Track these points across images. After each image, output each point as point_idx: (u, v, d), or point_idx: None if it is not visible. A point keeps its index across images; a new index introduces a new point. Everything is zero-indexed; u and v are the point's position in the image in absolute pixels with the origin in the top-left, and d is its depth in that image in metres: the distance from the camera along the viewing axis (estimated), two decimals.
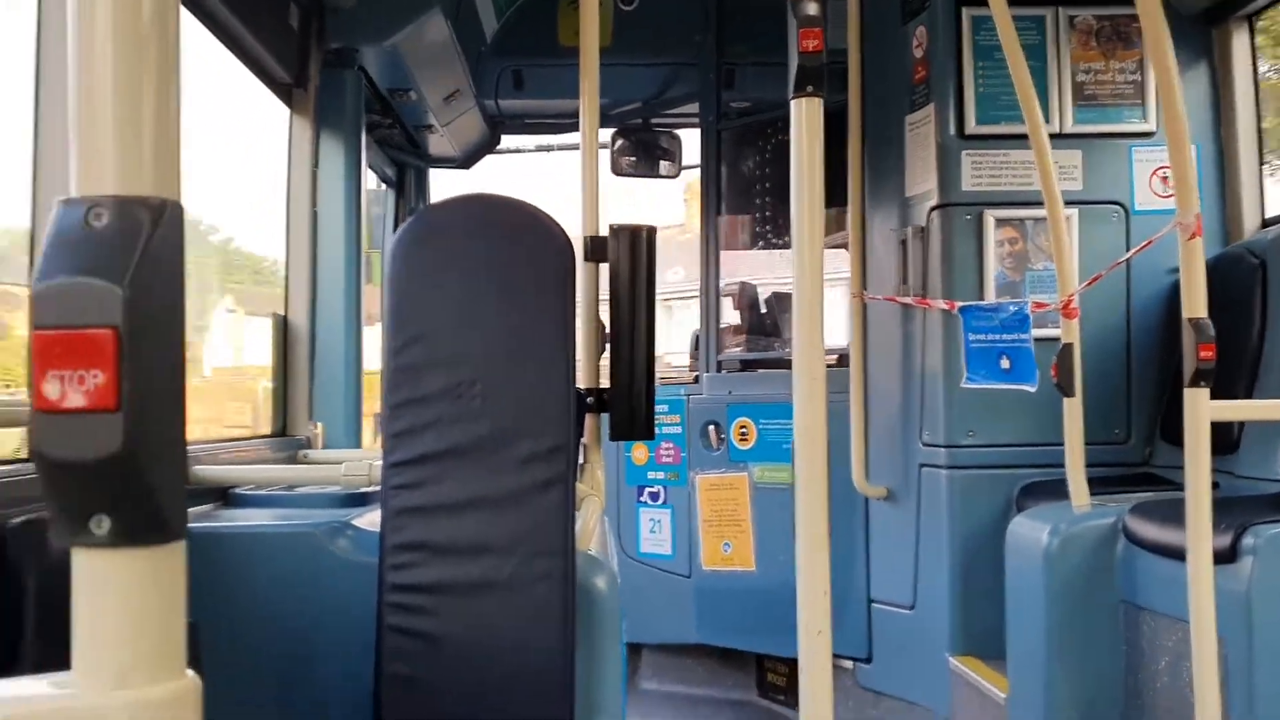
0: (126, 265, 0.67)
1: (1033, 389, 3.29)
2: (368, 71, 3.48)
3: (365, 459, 2.32)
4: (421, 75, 3.73)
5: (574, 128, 4.77)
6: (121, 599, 0.67)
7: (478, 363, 1.86)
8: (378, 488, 1.98)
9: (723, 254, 5.06)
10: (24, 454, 1.95)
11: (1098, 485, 3.23)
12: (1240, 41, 3.80)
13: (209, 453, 2.54)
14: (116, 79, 0.67)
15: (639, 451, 4.91)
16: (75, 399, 0.66)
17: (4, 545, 1.68)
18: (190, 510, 2.21)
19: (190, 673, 0.71)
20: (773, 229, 5.07)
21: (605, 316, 2.29)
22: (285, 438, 3.15)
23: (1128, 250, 3.43)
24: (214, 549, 2.04)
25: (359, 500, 2.35)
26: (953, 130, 3.74)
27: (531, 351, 1.87)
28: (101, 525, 0.67)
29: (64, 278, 0.67)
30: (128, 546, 0.67)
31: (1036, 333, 3.41)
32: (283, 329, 3.24)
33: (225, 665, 2.02)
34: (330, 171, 3.35)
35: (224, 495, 2.45)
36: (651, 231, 2.34)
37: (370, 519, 2.11)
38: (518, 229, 1.90)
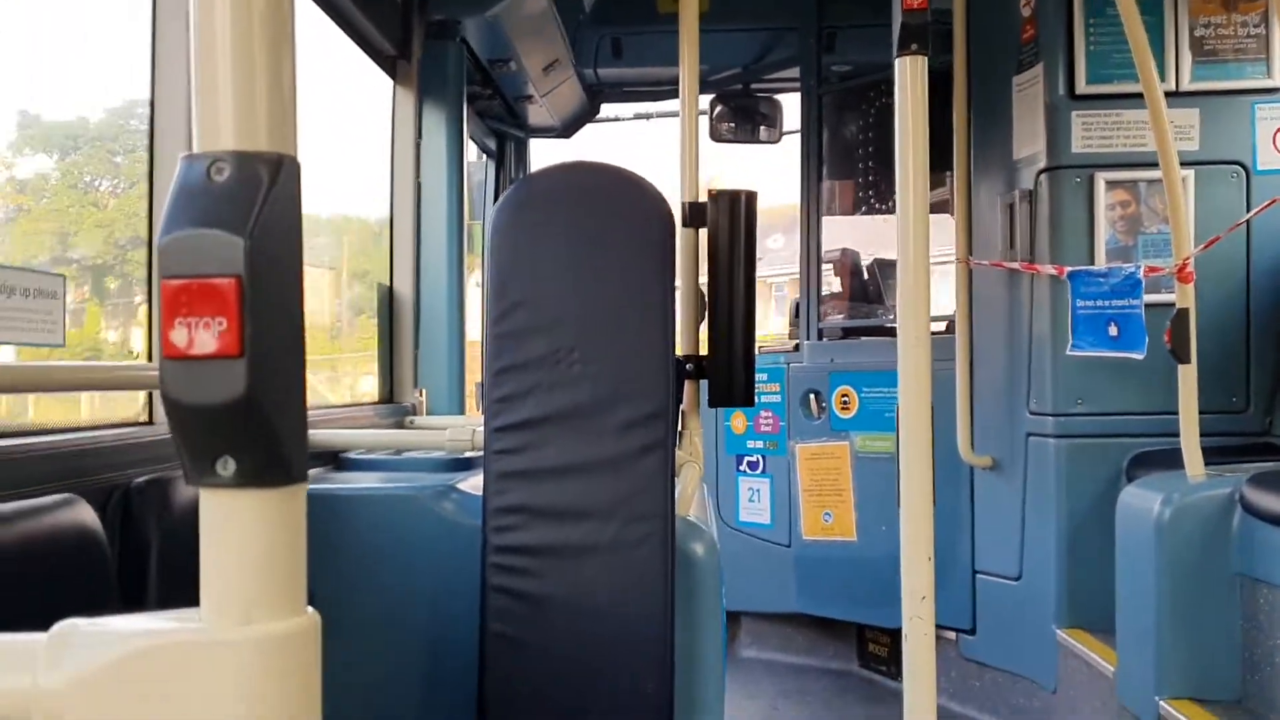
0: (247, 217, 0.69)
1: (1140, 356, 3.19)
2: (469, 43, 3.51)
3: (468, 425, 2.37)
4: (521, 45, 3.76)
5: (672, 95, 4.76)
6: (246, 538, 0.70)
7: (577, 329, 1.87)
8: (480, 452, 2.02)
9: (825, 220, 5.01)
10: (144, 417, 2.04)
11: (1213, 455, 3.12)
12: None
13: (321, 418, 2.62)
14: (234, 39, 0.70)
15: (738, 420, 4.90)
16: (201, 345, 0.69)
17: (128, 502, 1.76)
18: None
19: (311, 609, 0.74)
20: (875, 194, 4.99)
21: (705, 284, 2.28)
22: (392, 404, 3.23)
23: (1248, 212, 3.30)
24: (325, 511, 2.11)
25: (463, 465, 2.40)
26: (1062, 90, 3.63)
27: (630, 318, 1.88)
28: (227, 467, 0.70)
29: (189, 229, 0.69)
30: (252, 487, 0.70)
31: (1151, 298, 3.31)
32: (388, 298, 3.31)
33: (334, 624, 2.09)
34: (433, 142, 3.40)
35: (335, 460, 2.53)
36: (752, 196, 2.33)
37: (473, 483, 2.16)
38: (617, 195, 1.90)
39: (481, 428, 1.98)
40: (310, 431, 2.30)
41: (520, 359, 1.89)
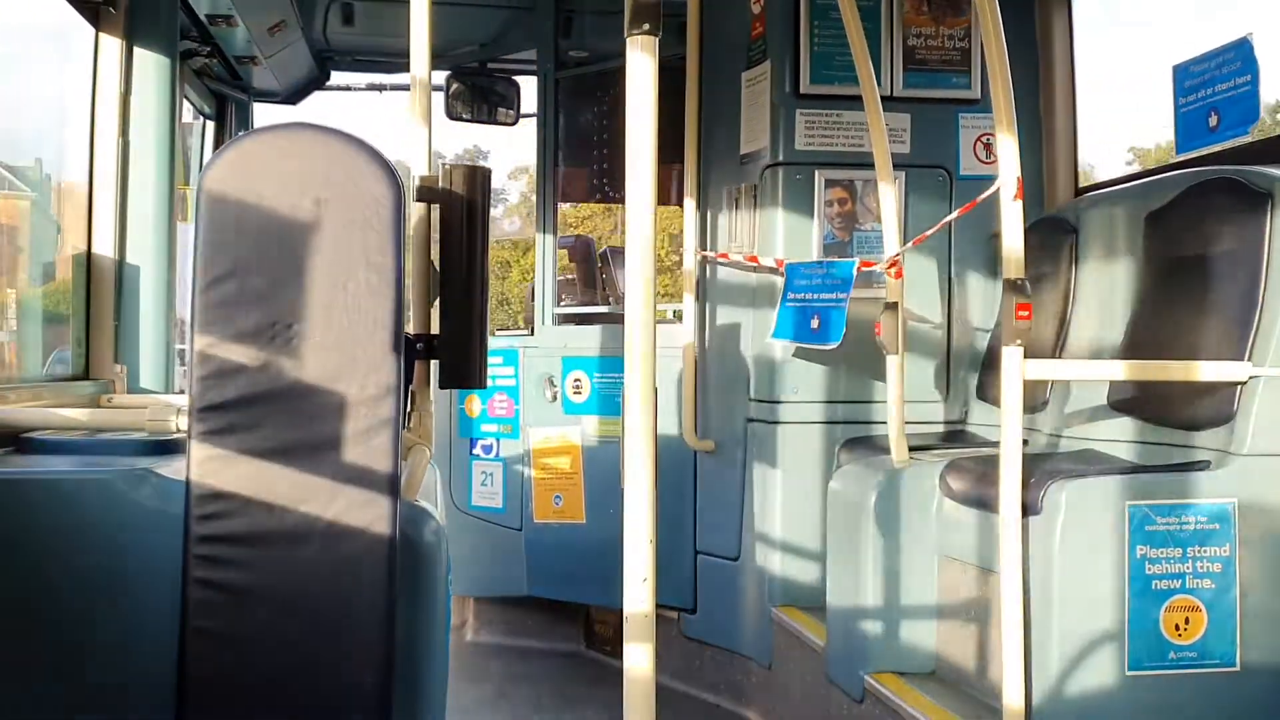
0: None
1: (833, 348, 3.36)
2: None
3: (172, 404, 2.19)
4: (243, 2, 3.53)
5: (407, 67, 4.61)
6: None
7: (295, 302, 1.76)
8: (185, 434, 1.86)
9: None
10: None
11: (917, 442, 3.34)
12: (1060, 15, 3.95)
13: None
14: None
15: (472, 403, 4.84)
16: None
17: None
18: None
19: None
20: (610, 182, 5.03)
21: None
22: (88, 380, 2.96)
23: (951, 214, 3.54)
24: (3, 498, 1.89)
25: (165, 448, 2.21)
26: (787, 88, 3.77)
27: (354, 292, 1.78)
28: None
29: None
30: None
31: (864, 293, 3.49)
32: (86, 264, 3.03)
33: (15, 621, 1.88)
34: (142, 99, 3.13)
35: (17, 442, 2.27)
36: (486, 173, 2.27)
37: (177, 467, 1.99)
38: (341, 161, 1.80)
39: (186, 407, 1.82)
40: None
41: (230, 332, 1.75)
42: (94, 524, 1.93)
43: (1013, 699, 2.46)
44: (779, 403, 3.80)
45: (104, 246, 3.03)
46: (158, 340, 3.13)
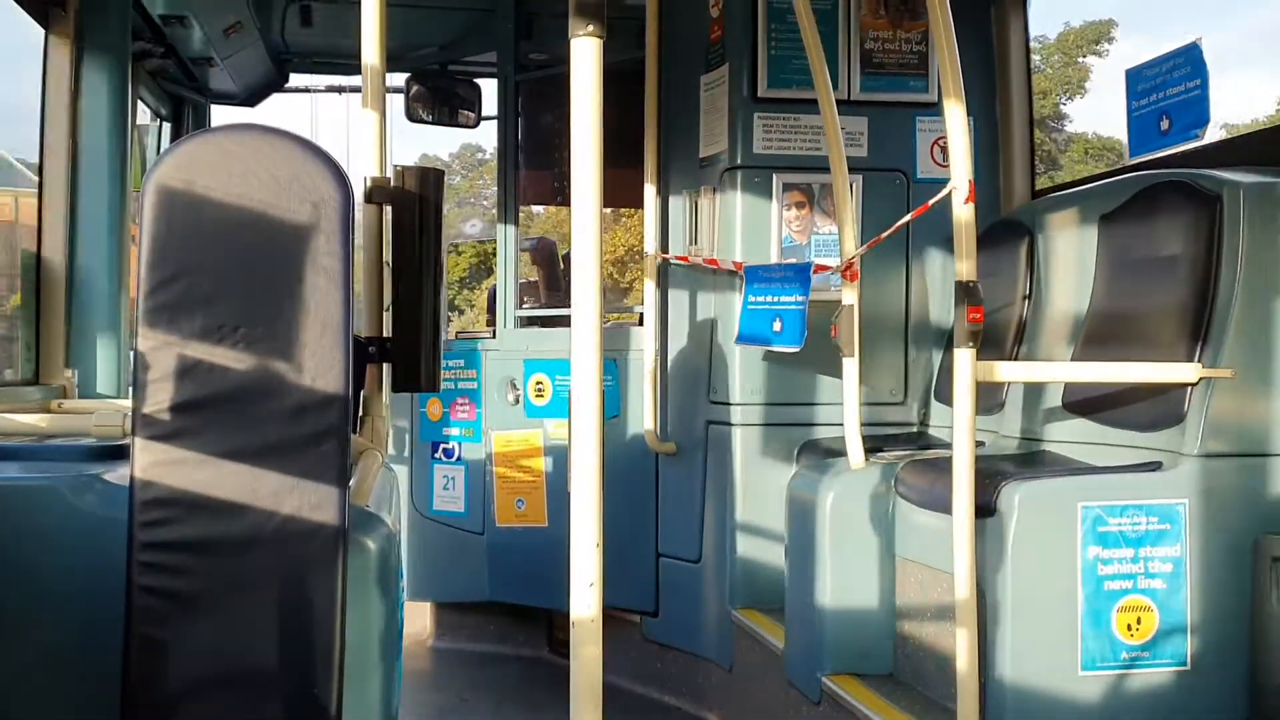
0: None
1: (795, 350, 3.37)
2: None
3: (119, 409, 2.17)
4: (197, 2, 3.49)
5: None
6: None
7: (242, 305, 1.74)
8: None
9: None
10: None
11: (874, 443, 3.35)
12: (1016, 21, 3.99)
13: None
14: None
15: (434, 406, 4.81)
16: None
17: None
18: None
19: None
20: (571, 185, 5.01)
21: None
22: (37, 385, 2.91)
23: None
24: None
25: (112, 454, 2.18)
26: (745, 92, 3.78)
27: (301, 294, 1.76)
28: None
29: None
30: None
31: (821, 295, 3.50)
32: (35, 268, 2.99)
33: None
34: (93, 100, 3.10)
35: None
36: (439, 175, 2.27)
37: (123, 473, 1.96)
38: (289, 162, 1.78)
39: (131, 412, 1.80)
40: None
41: (175, 335, 1.73)
42: (39, 531, 1.91)
43: (967, 700, 2.47)
44: (738, 405, 3.81)
45: (54, 250, 3.00)
46: (110, 345, 3.10)
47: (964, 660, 2.47)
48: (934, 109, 3.87)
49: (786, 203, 3.78)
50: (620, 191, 4.81)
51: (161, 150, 4.53)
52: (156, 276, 1.73)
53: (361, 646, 1.87)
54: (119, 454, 2.15)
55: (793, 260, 3.67)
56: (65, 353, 3.00)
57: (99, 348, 3.08)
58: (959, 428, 2.48)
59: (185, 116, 4.57)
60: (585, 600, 1.55)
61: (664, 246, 4.14)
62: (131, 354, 3.24)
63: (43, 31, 3.02)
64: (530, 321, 4.90)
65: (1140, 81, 3.16)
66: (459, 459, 4.81)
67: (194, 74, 4.34)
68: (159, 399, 1.73)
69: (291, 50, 4.89)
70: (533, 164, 5.06)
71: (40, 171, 3.03)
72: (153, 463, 1.73)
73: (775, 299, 3.44)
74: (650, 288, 4.15)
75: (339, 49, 4.93)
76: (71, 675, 1.91)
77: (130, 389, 3.17)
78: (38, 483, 1.93)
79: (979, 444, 2.55)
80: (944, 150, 3.86)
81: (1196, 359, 2.63)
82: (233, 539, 1.74)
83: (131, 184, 3.27)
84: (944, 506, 2.64)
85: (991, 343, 2.66)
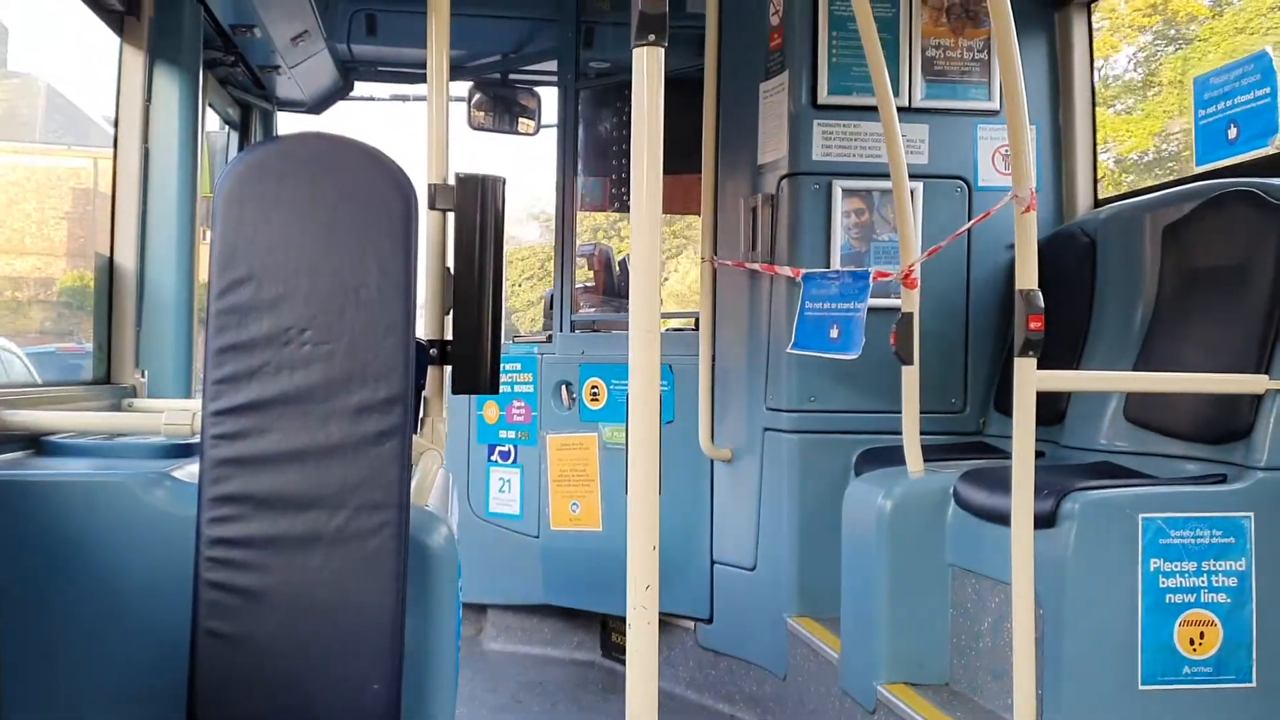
0: None
1: (853, 357, 3.36)
2: (207, 3, 3.30)
3: (188, 408, 2.22)
4: (266, 13, 3.57)
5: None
6: None
7: (309, 308, 1.78)
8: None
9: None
10: None
11: (932, 452, 3.33)
12: (1080, 26, 3.94)
13: (20, 396, 2.39)
14: None
15: (490, 410, 4.86)
16: None
17: None
18: None
19: None
20: (629, 192, 5.04)
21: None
22: (109, 385, 2.99)
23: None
24: (18, 499, 1.92)
25: (181, 451, 2.24)
26: (805, 99, 3.78)
27: (367, 298, 1.80)
28: None
29: None
30: None
31: (880, 303, 3.49)
32: (108, 271, 3.07)
33: (31, 621, 1.91)
34: (164, 108, 3.18)
35: (36, 443, 2.31)
36: (500, 182, 2.30)
37: (192, 471, 2.01)
38: (354, 168, 1.82)
39: (201, 411, 1.85)
40: (4, 410, 2.09)
41: (244, 337, 1.78)
42: (109, 525, 1.96)
43: (1024, 711, 2.44)
44: (795, 412, 3.80)
45: (125, 254, 3.07)
46: (179, 346, 3.17)
47: (1022, 671, 2.44)
48: (995, 116, 3.84)
49: (846, 209, 3.77)
50: (676, 198, 4.83)
51: (229, 157, 4.63)
52: (226, 279, 1.78)
53: (421, 645, 1.90)
54: (188, 452, 2.21)
55: (852, 267, 3.66)
56: (135, 354, 3.07)
57: (168, 349, 3.16)
58: (1019, 437, 2.46)
59: (253, 124, 4.66)
60: (643, 601, 1.56)
61: (720, 253, 4.15)
62: (200, 355, 3.32)
63: (117, 40, 3.10)
64: (585, 326, 4.93)
65: (1208, 89, 3.11)
66: (515, 461, 4.85)
67: (262, 82, 4.43)
68: (227, 399, 1.78)
69: (357, 59, 4.98)
70: (590, 170, 5.10)
71: (114, 177, 3.11)
72: (221, 460, 1.78)
73: (833, 306, 3.43)
74: (705, 293, 4.16)
75: (403, 58, 5.01)
76: (139, 668, 1.96)
77: (198, 389, 3.25)
78: (109, 478, 1.98)
79: (1039, 454, 2.52)
80: (1005, 158, 3.83)
81: (1264, 369, 2.58)
82: (296, 536, 1.78)
83: (200, 190, 3.35)
84: (1003, 517, 2.62)
85: (1052, 352, 2.63)
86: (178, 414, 2.22)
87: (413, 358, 1.85)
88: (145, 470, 2.02)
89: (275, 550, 1.77)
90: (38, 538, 1.94)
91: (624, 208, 5.14)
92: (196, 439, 2.19)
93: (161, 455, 2.23)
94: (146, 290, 3.12)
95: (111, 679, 1.95)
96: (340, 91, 5.16)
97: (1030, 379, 2.46)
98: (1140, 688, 2.50)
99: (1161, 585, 2.51)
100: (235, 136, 4.63)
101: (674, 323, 5.12)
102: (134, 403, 2.96)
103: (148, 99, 3.11)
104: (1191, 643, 2.51)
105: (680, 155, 4.03)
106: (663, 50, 1.59)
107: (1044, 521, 2.54)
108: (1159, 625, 2.50)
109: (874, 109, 3.33)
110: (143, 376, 3.08)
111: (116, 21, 3.05)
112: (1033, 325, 2.42)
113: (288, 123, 5.02)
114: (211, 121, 4.28)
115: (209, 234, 1.88)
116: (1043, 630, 2.54)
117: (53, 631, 1.94)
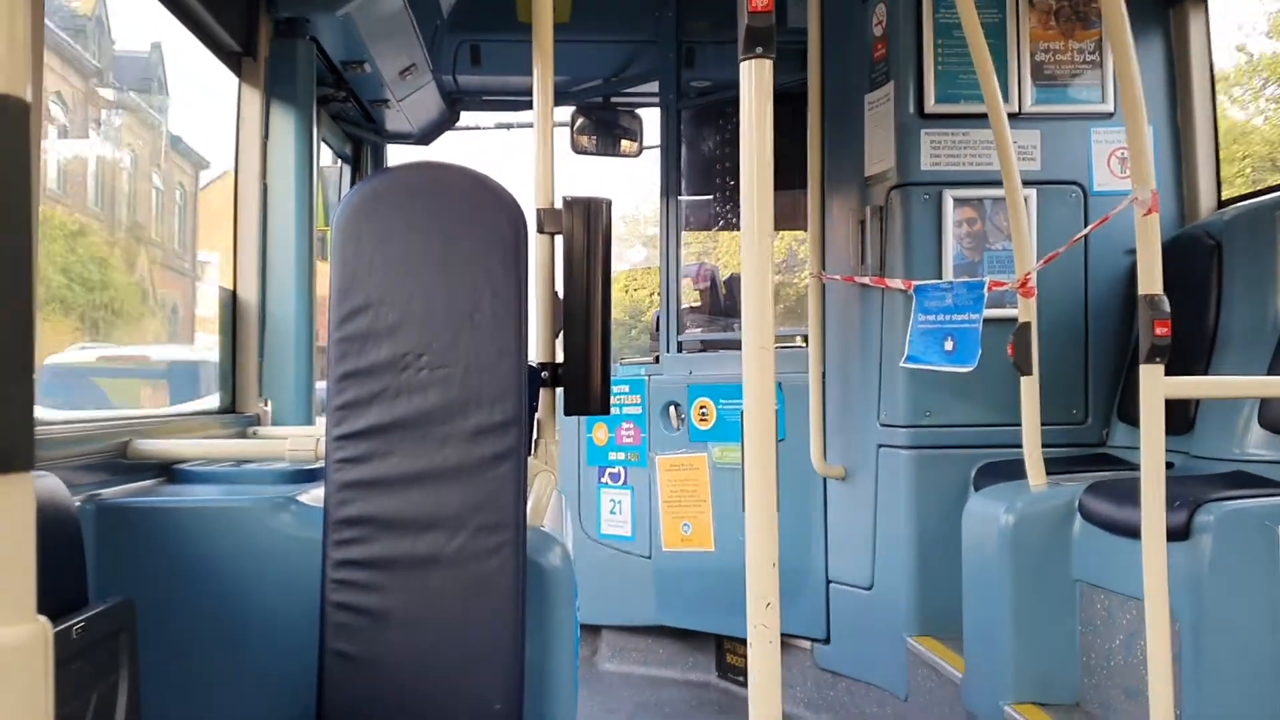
0: None
1: (968, 370, 3.28)
2: (320, 42, 3.41)
3: (311, 434, 2.28)
4: (375, 48, 3.66)
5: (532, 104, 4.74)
6: None
7: (425, 333, 1.82)
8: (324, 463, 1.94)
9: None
10: None
11: (1054, 465, 3.23)
12: (1197, 23, 3.81)
13: (152, 425, 2.48)
14: None
15: (600, 432, 4.88)
16: None
17: None
18: (130, 486, 2.17)
19: (42, 618, 0.66)
20: (732, 209, 5.05)
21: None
22: (234, 414, 3.09)
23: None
24: (153, 525, 1.99)
25: (306, 476, 2.30)
26: (912, 109, 3.72)
27: (481, 323, 1.83)
28: None
29: None
30: None
31: (996, 313, 3.41)
32: (231, 304, 3.17)
33: (166, 643, 1.98)
34: (281, 144, 3.29)
35: (168, 471, 2.39)
36: (607, 205, 2.31)
37: (316, 495, 2.07)
38: (467, 196, 1.86)
39: (324, 437, 1.89)
40: (138, 440, 2.17)
41: (365, 364, 1.82)
42: (239, 549, 2.03)
43: None
44: (910, 427, 3.73)
45: (248, 287, 3.18)
46: (299, 375, 3.26)
47: (1158, 690, 2.35)
48: (1110, 119, 3.73)
49: (958, 219, 3.70)
50: (781, 213, 4.81)
51: (342, 190, 4.76)
52: (346, 308, 1.82)
53: (540, 664, 1.91)
54: (312, 477, 2.27)
55: (965, 278, 3.58)
56: (259, 383, 3.17)
57: (290, 378, 3.25)
58: (1148, 446, 2.37)
59: (364, 157, 4.79)
60: (764, 619, 1.54)
61: (828, 268, 4.11)
62: (320, 384, 3.42)
63: (236, 80, 3.21)
64: (693, 347, 4.93)
65: None
66: (625, 483, 4.86)
67: (372, 115, 4.55)
68: (350, 424, 1.82)
69: (462, 89, 5.08)
70: (693, 189, 5.11)
71: (234, 213, 3.22)
72: (345, 484, 1.82)
73: (947, 318, 3.36)
74: (814, 309, 4.12)
75: (507, 86, 5.10)
76: (269, 688, 2.01)
77: (319, 416, 3.34)
78: (237, 504, 2.05)
79: (1168, 465, 2.43)
80: (1122, 161, 3.72)
81: None
82: (418, 557, 1.81)
83: (316, 223, 3.45)
84: (1133, 530, 2.52)
85: (1179, 358, 2.53)
86: (301, 440, 2.28)
87: (525, 380, 1.86)
88: (272, 495, 2.08)
89: (398, 571, 1.81)
90: (172, 562, 2.01)
91: (727, 226, 5.13)
92: (320, 464, 2.25)
93: (286, 480, 2.30)
94: (267, 322, 3.22)
95: (243, 699, 2.01)
96: (447, 122, 5.27)
97: (1158, 386, 2.37)
98: None
99: None
100: (348, 170, 4.76)
101: (781, 339, 5.08)
102: (259, 430, 3.05)
103: (265, 136, 3.22)
104: None
105: (784, 171, 4.00)
106: (770, 62, 1.59)
107: (1177, 534, 2.44)
108: None
109: (982, 116, 3.26)
110: (266, 405, 3.17)
111: (235, 62, 3.16)
112: (1159, 331, 2.33)
113: (397, 154, 5.16)
114: (325, 156, 4.41)
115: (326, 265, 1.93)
116: (1179, 647, 2.44)
117: (187, 654, 2.01)
